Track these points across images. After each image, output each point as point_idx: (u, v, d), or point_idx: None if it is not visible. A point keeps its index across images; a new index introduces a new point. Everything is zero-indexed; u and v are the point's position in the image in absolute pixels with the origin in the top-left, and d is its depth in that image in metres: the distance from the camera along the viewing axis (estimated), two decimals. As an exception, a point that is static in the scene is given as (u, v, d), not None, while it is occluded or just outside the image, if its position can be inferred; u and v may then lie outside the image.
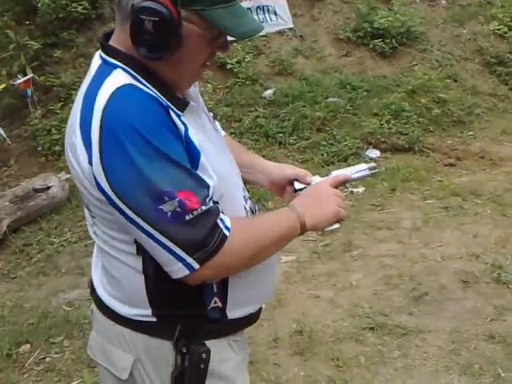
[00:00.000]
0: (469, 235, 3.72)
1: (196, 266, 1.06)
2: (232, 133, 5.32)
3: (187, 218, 1.04)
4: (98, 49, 1.18)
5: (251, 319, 1.28)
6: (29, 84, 5.28)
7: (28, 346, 2.90)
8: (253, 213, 1.29)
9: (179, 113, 1.11)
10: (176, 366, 1.15)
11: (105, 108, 1.04)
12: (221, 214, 1.10)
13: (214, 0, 1.07)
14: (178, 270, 1.06)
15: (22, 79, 5.25)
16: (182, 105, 1.14)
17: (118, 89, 1.06)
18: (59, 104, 5.35)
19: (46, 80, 5.52)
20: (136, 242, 1.11)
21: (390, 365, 2.58)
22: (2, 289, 3.56)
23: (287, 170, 1.47)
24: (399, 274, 3.33)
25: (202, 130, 1.19)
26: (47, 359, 2.81)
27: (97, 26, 5.93)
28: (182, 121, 1.10)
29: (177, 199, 1.03)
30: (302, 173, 1.44)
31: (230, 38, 1.15)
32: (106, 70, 1.10)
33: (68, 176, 4.78)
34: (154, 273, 1.13)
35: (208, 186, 1.09)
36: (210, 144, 1.19)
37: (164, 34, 1.04)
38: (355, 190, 4.67)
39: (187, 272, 1.06)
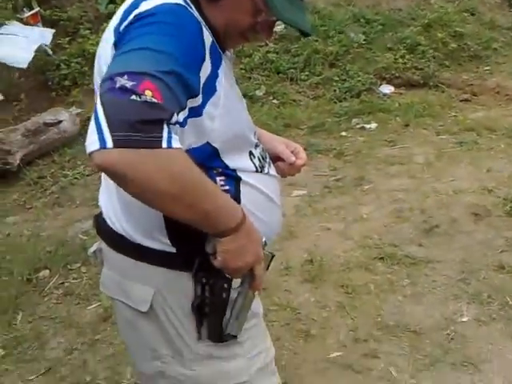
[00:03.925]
0: (482, 170, 3.71)
1: (109, 143, 0.91)
2: (242, 69, 5.25)
3: (133, 97, 0.92)
4: None
5: None
6: (38, 18, 5.19)
7: (47, 271, 2.98)
8: (263, 159, 1.27)
9: (220, 51, 1.11)
10: (196, 296, 1.15)
11: (146, 10, 1.02)
12: (173, 129, 0.97)
13: None
14: (92, 143, 0.93)
15: (29, 13, 5.15)
16: (221, 51, 1.14)
17: (168, 3, 1.04)
18: (67, 39, 5.27)
19: (53, 14, 5.41)
20: None
21: (399, 292, 2.64)
22: (18, 219, 3.63)
23: (278, 147, 1.41)
24: (410, 207, 3.35)
25: (230, 78, 1.18)
26: (66, 284, 2.90)
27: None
28: (219, 57, 1.10)
29: (137, 82, 0.93)
30: (287, 153, 1.39)
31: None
32: None
33: (79, 111, 4.78)
34: None
35: (181, 107, 0.99)
36: (235, 93, 1.18)
37: None
38: (367, 125, 4.64)
39: (97, 146, 0.92)
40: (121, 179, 0.96)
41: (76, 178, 4.06)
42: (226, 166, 1.16)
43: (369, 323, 2.45)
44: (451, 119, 4.61)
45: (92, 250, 1.31)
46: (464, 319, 2.42)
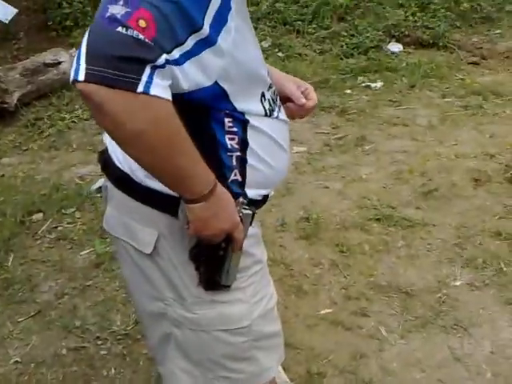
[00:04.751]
0: (485, 135, 3.66)
1: (81, 76, 0.86)
2: (248, 18, 5.11)
3: (119, 29, 0.85)
4: None
5: (263, 202, 1.25)
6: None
7: (40, 214, 2.96)
8: (274, 102, 1.19)
9: None
10: (193, 246, 1.14)
11: None
12: (160, 74, 0.89)
13: None
14: (71, 72, 0.89)
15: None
16: None
17: None
18: (69, -24, 5.12)
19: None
20: None
21: (394, 253, 2.63)
22: (14, 160, 3.59)
23: (288, 87, 1.34)
24: (410, 169, 3.31)
25: (243, 11, 1.07)
26: (59, 228, 2.88)
27: None
28: None
29: (131, 10, 0.86)
30: (297, 94, 1.32)
31: None
32: None
33: (79, 53, 4.67)
34: None
35: (178, 42, 0.91)
36: (248, 28, 1.08)
37: None
38: (373, 84, 4.55)
39: (72, 77, 0.88)
40: (94, 112, 0.92)
41: (73, 122, 3.99)
42: (234, 108, 1.09)
43: (361, 282, 2.45)
44: (458, 82, 4.51)
45: (96, 186, 1.29)
46: (457, 283, 2.42)
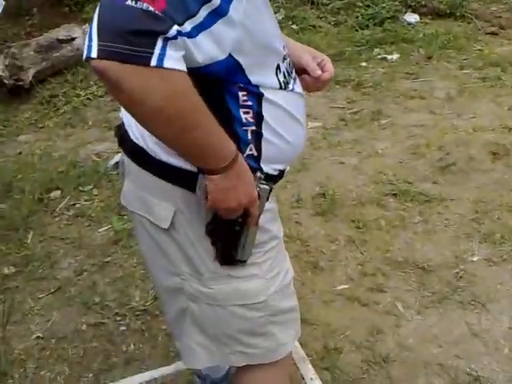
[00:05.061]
0: (504, 107, 3.59)
1: (93, 53, 0.86)
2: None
3: (128, 2, 0.84)
4: None
5: (280, 177, 1.24)
6: None
7: (58, 192, 2.99)
8: (289, 74, 1.17)
9: None
10: (208, 222, 1.13)
11: None
12: (172, 45, 0.87)
13: None
14: (84, 49, 0.89)
15: None
16: None
17: None
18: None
19: None
20: None
21: (410, 229, 2.62)
22: (30, 138, 3.61)
23: (304, 58, 1.30)
24: (427, 143, 3.27)
25: None
26: (77, 205, 2.90)
27: None
28: None
29: None
30: (312, 65, 1.28)
31: None
32: None
33: (92, 28, 4.64)
34: None
35: (189, 14, 0.89)
36: None
37: None
38: (389, 56, 4.48)
39: (85, 55, 0.88)
40: (110, 89, 0.92)
41: (89, 99, 4.00)
42: (249, 82, 1.07)
43: (377, 258, 2.45)
44: (476, 53, 4.43)
45: (113, 161, 1.29)
46: (474, 258, 2.41)
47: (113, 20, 0.85)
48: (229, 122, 1.08)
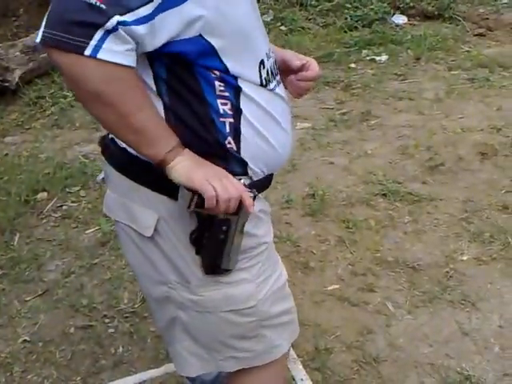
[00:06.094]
0: (492, 108, 3.61)
1: (39, 38, 0.94)
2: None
3: None
4: None
5: (265, 184, 1.22)
6: None
7: (45, 193, 2.96)
8: (273, 74, 1.15)
9: None
10: (194, 229, 1.12)
11: None
12: (114, 38, 0.91)
13: None
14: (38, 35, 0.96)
15: None
16: None
17: None
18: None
19: None
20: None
21: (400, 229, 2.62)
22: (17, 139, 3.58)
23: (287, 55, 1.29)
24: (416, 144, 3.28)
25: None
26: (64, 207, 2.87)
27: None
28: None
29: None
30: (294, 59, 1.27)
31: None
32: None
33: (80, 29, 4.61)
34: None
35: (143, 3, 0.91)
36: None
37: None
38: (378, 57, 4.49)
39: (37, 40, 0.96)
40: (61, 74, 1.00)
41: (76, 100, 3.96)
42: (227, 70, 1.05)
43: (368, 258, 2.45)
44: (464, 54, 4.45)
45: (101, 177, 1.27)
46: (464, 258, 2.41)
47: (58, 9, 0.91)
48: (204, 108, 1.06)
